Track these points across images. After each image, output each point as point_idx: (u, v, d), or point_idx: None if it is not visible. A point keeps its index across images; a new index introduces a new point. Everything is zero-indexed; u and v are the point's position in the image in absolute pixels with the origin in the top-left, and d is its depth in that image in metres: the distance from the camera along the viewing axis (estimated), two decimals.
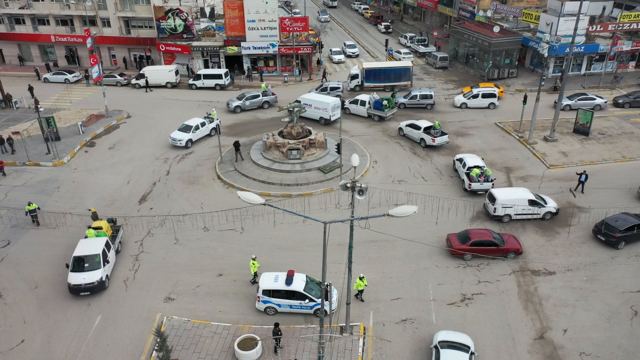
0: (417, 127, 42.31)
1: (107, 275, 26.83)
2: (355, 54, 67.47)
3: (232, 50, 58.65)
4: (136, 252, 29.62)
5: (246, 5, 56.20)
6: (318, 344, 19.59)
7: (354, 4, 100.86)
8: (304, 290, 24.50)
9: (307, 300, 24.51)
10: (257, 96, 50.13)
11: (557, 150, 40.63)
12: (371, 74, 53.97)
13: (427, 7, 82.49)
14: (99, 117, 48.11)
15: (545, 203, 31.84)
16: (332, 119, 46.04)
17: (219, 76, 55.94)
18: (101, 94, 48.66)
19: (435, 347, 21.78)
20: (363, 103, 47.43)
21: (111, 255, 27.91)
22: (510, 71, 57.73)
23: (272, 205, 16.79)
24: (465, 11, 69.70)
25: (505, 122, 46.02)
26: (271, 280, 24.86)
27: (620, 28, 56.18)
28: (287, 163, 37.94)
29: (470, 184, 34.53)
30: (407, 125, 43.40)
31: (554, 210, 31.90)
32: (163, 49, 59.59)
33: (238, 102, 49.43)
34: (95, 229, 28.69)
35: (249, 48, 58.39)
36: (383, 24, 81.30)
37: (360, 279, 25.20)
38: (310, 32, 60.41)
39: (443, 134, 41.43)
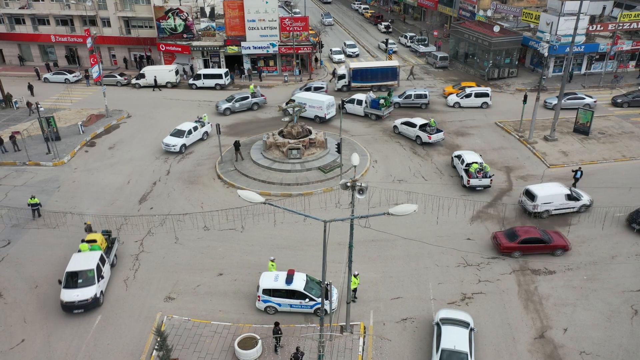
0: (413, 125, 42.48)
1: (101, 292, 25.67)
2: (356, 53, 67.44)
3: (232, 50, 58.66)
4: (136, 252, 29.62)
5: (246, 5, 56.21)
6: (318, 343, 19.59)
7: (354, 3, 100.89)
8: (304, 289, 24.50)
9: (307, 300, 24.51)
10: (247, 98, 49.71)
11: (558, 150, 40.63)
12: (358, 74, 53.95)
13: (427, 7, 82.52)
14: (99, 117, 48.12)
15: (581, 196, 32.30)
16: (327, 117, 46.28)
17: (219, 76, 55.94)
18: (101, 93, 48.68)
19: (437, 324, 22.76)
20: (360, 102, 47.50)
21: (106, 269, 26.65)
22: (511, 71, 57.73)
23: (272, 204, 16.81)
24: (466, 11, 69.73)
25: (505, 122, 46.02)
26: (271, 279, 24.86)
27: (621, 27, 56.17)
28: (288, 163, 37.94)
29: (468, 180, 34.70)
30: (402, 123, 43.57)
31: (588, 203, 32.31)
32: (163, 49, 59.61)
33: (227, 104, 48.89)
34: (89, 242, 27.42)
35: (249, 48, 58.41)
36: (383, 23, 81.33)
37: (355, 276, 25.14)
38: (310, 31, 60.43)
39: (438, 131, 41.69)
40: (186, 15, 58.17)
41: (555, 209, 31.88)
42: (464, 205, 33.06)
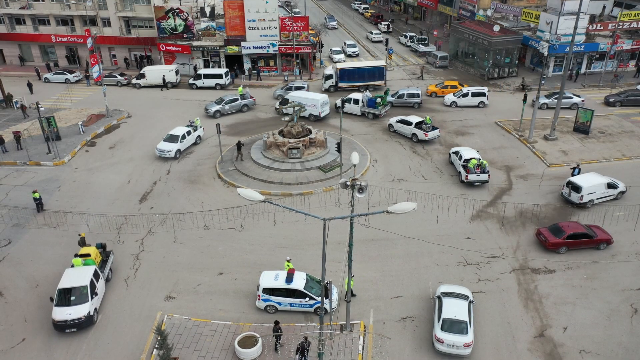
0: (408, 123, 42.67)
1: (95, 309, 24.56)
2: (356, 53, 67.45)
3: (232, 49, 58.71)
4: (137, 251, 29.66)
5: (246, 4, 56.26)
6: (318, 341, 19.64)
7: (354, 3, 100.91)
8: (304, 288, 24.55)
9: (307, 299, 24.55)
10: (236, 100, 49.31)
11: (557, 149, 40.64)
12: (345, 74, 53.94)
13: (427, 7, 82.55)
14: (99, 117, 48.18)
15: (617, 184, 33.24)
16: (322, 115, 46.55)
17: (219, 76, 55.97)
18: (101, 93, 48.73)
19: (438, 297, 24.23)
20: (356, 101, 47.65)
21: (100, 285, 25.50)
22: (511, 70, 57.75)
23: (272, 202, 16.85)
24: (466, 10, 69.76)
25: (505, 121, 46.04)
26: (271, 278, 24.90)
27: (620, 27, 56.14)
28: (288, 162, 37.98)
29: (467, 176, 34.88)
30: (397, 122, 43.75)
31: (624, 189, 33.43)
32: (163, 49, 59.66)
33: (217, 107, 48.37)
34: (82, 256, 26.27)
35: (249, 48, 58.45)
36: (383, 23, 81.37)
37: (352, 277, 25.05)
38: (310, 31, 60.46)
39: (434, 128, 41.95)
40: (186, 15, 58.22)
41: (597, 198, 32.61)
42: (464, 204, 33.09)
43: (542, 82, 45.49)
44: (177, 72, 57.22)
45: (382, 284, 26.88)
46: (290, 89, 51.94)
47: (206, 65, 60.73)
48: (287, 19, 58.70)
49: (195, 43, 59.28)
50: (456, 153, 37.57)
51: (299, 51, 59.36)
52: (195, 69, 59.98)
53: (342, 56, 65.60)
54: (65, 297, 24.10)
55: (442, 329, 22.54)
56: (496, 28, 56.23)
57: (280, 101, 48.84)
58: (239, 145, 39.01)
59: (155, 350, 22.22)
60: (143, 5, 60.49)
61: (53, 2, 61.37)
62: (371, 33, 76.02)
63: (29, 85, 54.27)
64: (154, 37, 60.45)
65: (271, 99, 52.49)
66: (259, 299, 24.89)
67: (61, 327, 23.64)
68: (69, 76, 58.86)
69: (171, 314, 24.92)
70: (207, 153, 41.32)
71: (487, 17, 64.91)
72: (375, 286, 26.73)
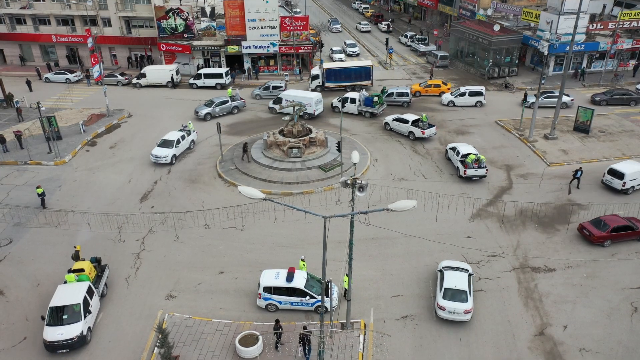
0: (405, 121, 42.86)
1: (89, 328, 23.31)
2: (356, 53, 67.48)
3: (232, 49, 58.77)
4: (137, 250, 29.72)
5: (247, 4, 56.32)
6: (319, 339, 19.69)
7: (354, 3, 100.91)
8: (304, 287, 24.59)
9: (307, 297, 24.60)
10: (226, 102, 48.79)
11: (558, 148, 40.68)
12: (332, 74, 53.86)
13: (428, 6, 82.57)
14: (100, 117, 48.24)
15: None
16: (316, 113, 46.75)
17: (219, 75, 56.02)
18: (102, 93, 48.78)
19: (440, 270, 25.83)
20: (353, 101, 47.75)
21: (94, 302, 24.30)
22: (511, 69, 57.77)
23: (272, 200, 16.90)
24: (466, 10, 69.79)
25: (505, 120, 46.07)
26: (272, 277, 24.94)
27: (621, 26, 56.16)
28: (288, 161, 38.02)
29: (465, 171, 34.98)
30: (393, 120, 43.90)
31: None
32: (164, 49, 59.72)
33: (207, 109, 47.84)
34: (75, 271, 25.12)
35: (250, 47, 58.51)
36: (383, 22, 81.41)
37: (346, 275, 25.11)
38: (310, 31, 60.50)
39: (431, 126, 42.22)
40: (187, 15, 58.27)
41: (638, 185, 33.60)
42: (464, 203, 33.13)
43: (542, 81, 45.44)
44: (177, 72, 57.27)
45: (383, 283, 26.93)
46: (267, 88, 52.26)
47: (206, 65, 60.79)
48: (287, 19, 58.76)
49: (195, 43, 59.34)
50: (453, 149, 37.86)
51: (299, 51, 59.42)
52: (198, 68, 60.03)
53: (342, 55, 65.56)
54: (57, 315, 22.92)
55: (443, 297, 24.14)
56: (496, 27, 56.26)
57: (274, 100, 48.97)
58: (245, 147, 39.01)
59: (156, 348, 22.28)
60: (143, 5, 60.53)
61: (53, 2, 61.40)
62: (359, 24, 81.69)
63: (28, 83, 54.28)
64: (155, 37, 60.51)
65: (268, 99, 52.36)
66: (260, 298, 24.94)
67: (52, 348, 22.50)
68: (70, 76, 58.90)
69: (172, 313, 24.97)
70: (207, 152, 41.36)
71: (487, 17, 64.94)
72: (376, 285, 26.78)
